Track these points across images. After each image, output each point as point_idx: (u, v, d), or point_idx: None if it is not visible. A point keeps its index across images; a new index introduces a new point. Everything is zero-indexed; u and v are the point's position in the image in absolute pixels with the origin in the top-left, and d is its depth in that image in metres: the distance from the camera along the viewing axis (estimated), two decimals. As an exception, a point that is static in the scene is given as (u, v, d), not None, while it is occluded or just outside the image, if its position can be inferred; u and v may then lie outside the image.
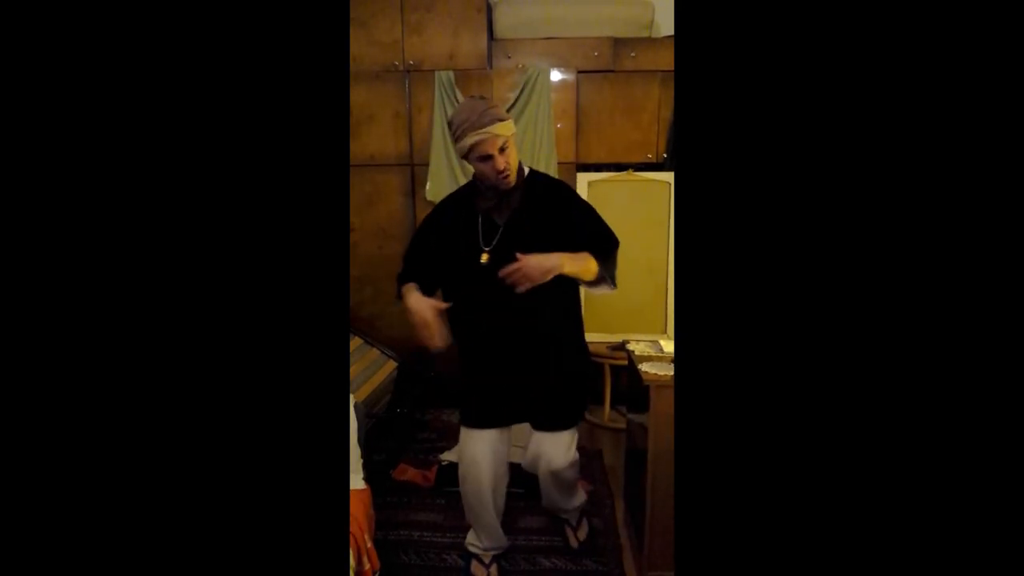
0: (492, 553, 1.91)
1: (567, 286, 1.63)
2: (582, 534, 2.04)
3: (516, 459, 1.91)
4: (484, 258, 1.59)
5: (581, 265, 1.57)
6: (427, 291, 1.66)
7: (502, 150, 1.53)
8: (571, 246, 1.57)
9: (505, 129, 1.52)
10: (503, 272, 1.46)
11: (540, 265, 1.47)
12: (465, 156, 1.56)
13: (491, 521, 1.84)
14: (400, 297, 1.68)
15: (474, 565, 1.91)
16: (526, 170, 1.67)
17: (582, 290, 1.73)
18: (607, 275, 1.63)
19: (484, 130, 1.49)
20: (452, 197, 1.76)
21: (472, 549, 1.92)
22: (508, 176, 1.55)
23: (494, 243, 1.61)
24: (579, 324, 1.78)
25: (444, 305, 1.60)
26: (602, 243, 1.64)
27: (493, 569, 1.90)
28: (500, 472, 1.78)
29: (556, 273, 1.50)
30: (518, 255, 1.47)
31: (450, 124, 1.57)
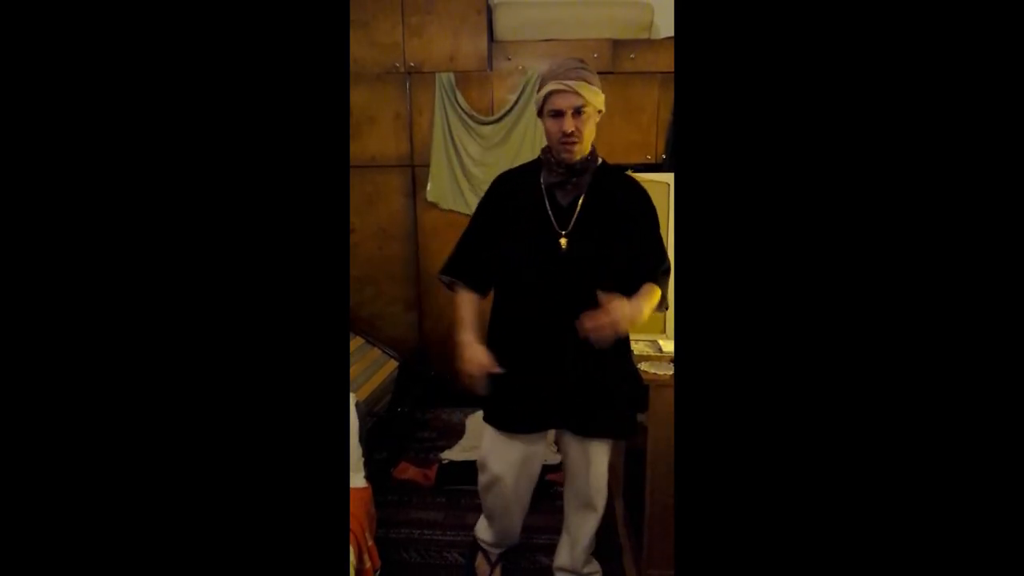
0: (499, 550, 1.83)
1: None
2: None
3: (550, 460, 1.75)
4: (563, 243, 1.42)
5: (653, 303, 1.44)
6: (480, 289, 1.54)
7: (577, 112, 1.35)
8: (637, 250, 1.46)
9: (589, 92, 1.34)
10: (589, 326, 1.29)
11: (631, 315, 1.32)
12: (540, 112, 1.41)
13: (509, 525, 1.71)
14: (450, 288, 1.55)
15: (479, 561, 1.84)
16: (600, 159, 1.50)
17: None
18: (664, 302, 1.51)
19: (564, 82, 1.33)
20: (513, 171, 1.57)
21: (480, 543, 1.82)
22: (574, 143, 1.37)
23: (570, 227, 1.43)
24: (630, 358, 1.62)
25: (497, 370, 1.43)
26: (660, 266, 1.50)
27: (497, 570, 1.84)
28: (529, 483, 1.63)
29: (625, 328, 1.35)
30: (603, 301, 1.29)
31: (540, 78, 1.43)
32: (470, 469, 2.50)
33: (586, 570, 1.75)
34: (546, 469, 2.37)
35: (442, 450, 2.72)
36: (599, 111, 1.40)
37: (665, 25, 3.10)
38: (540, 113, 1.42)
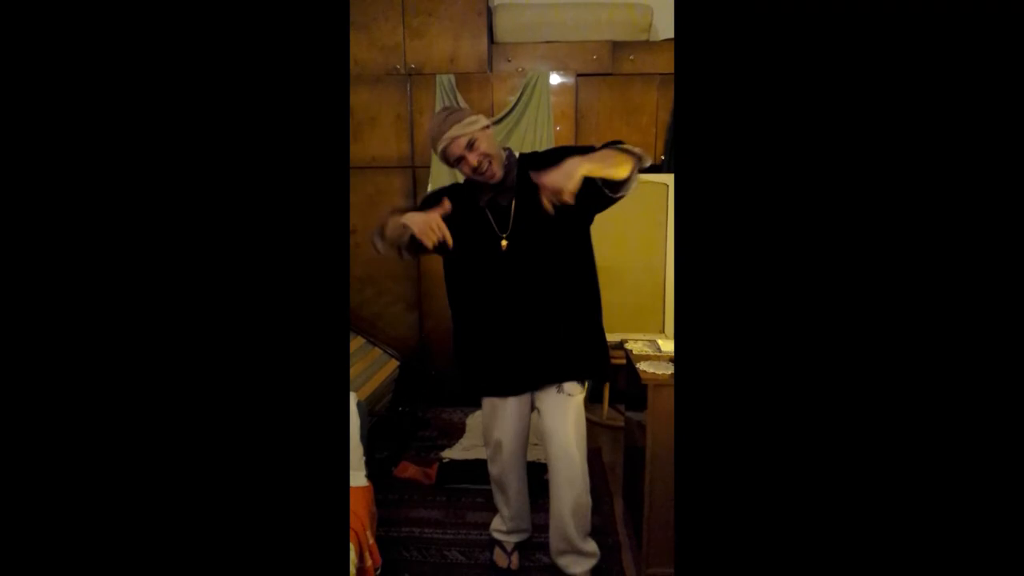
0: (515, 539, 1.93)
1: (584, 277, 1.68)
2: None
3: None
4: (504, 244, 1.59)
5: (603, 161, 1.39)
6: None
7: (470, 146, 1.50)
8: (590, 199, 1.48)
9: (465, 128, 1.48)
10: (544, 179, 1.31)
11: (561, 171, 1.30)
12: (450, 165, 1.57)
13: (516, 499, 1.86)
14: (381, 236, 1.57)
15: (496, 553, 1.94)
16: (516, 154, 1.63)
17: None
18: (633, 154, 1.49)
19: (444, 136, 1.50)
20: (449, 191, 1.67)
21: (496, 535, 1.95)
22: (486, 170, 1.52)
23: (509, 229, 1.60)
24: (595, 315, 1.73)
25: (447, 208, 1.47)
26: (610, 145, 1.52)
27: (514, 557, 1.93)
28: (522, 447, 1.81)
29: (580, 174, 1.31)
30: (532, 175, 1.35)
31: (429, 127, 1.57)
32: (471, 468, 2.51)
33: (586, 548, 1.79)
34: (543, 468, 2.38)
35: (442, 449, 2.73)
36: (484, 127, 1.53)
37: (664, 27, 3.11)
38: (449, 164, 1.56)
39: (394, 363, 2.91)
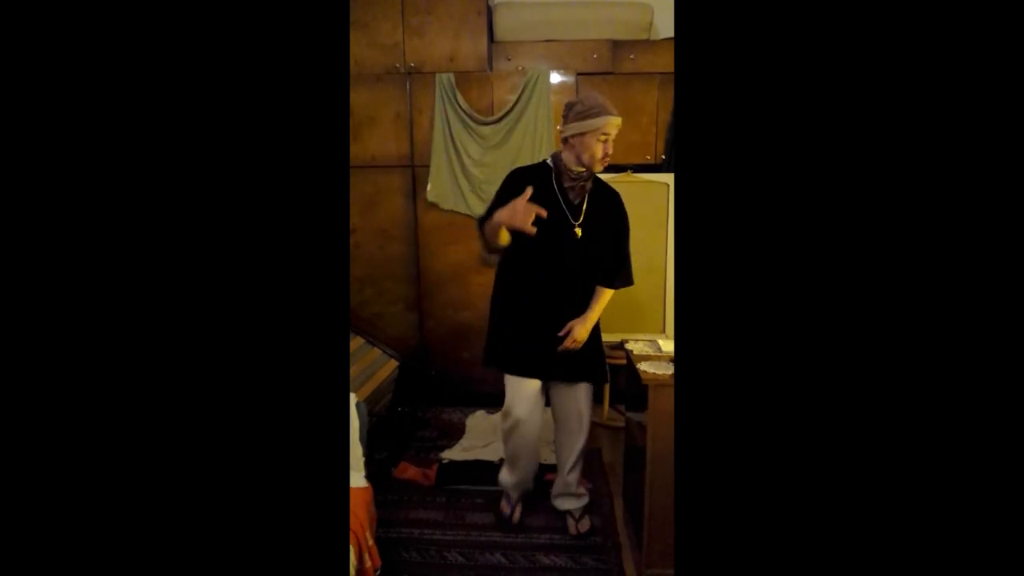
0: (518, 493, 2.17)
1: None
2: (583, 526, 2.13)
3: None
4: (578, 232, 1.88)
5: (603, 305, 1.97)
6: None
7: (609, 140, 1.81)
8: (612, 244, 1.94)
9: (616, 127, 1.81)
10: (567, 343, 1.89)
11: (585, 329, 1.91)
12: (582, 132, 1.79)
13: (528, 464, 2.09)
14: (482, 230, 1.88)
15: (502, 504, 2.21)
16: (595, 174, 1.92)
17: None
18: (621, 286, 1.98)
19: (614, 117, 1.78)
20: (527, 171, 1.94)
21: (504, 488, 2.19)
22: (606, 162, 1.84)
23: (582, 220, 1.89)
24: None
25: (528, 194, 1.73)
26: (625, 270, 1.98)
27: (518, 509, 2.18)
28: (539, 421, 2.02)
29: (587, 334, 1.92)
30: (571, 325, 1.89)
31: (576, 103, 1.82)
32: (470, 469, 2.51)
33: (578, 491, 2.14)
34: (544, 469, 2.40)
35: (442, 450, 2.73)
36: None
37: (664, 26, 3.11)
38: (582, 133, 1.80)
39: (394, 363, 2.91)
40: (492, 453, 2.66)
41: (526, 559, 1.99)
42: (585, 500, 2.16)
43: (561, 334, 1.88)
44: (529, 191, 1.71)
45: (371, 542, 1.64)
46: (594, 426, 2.94)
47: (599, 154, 1.80)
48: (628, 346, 2.09)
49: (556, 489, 2.16)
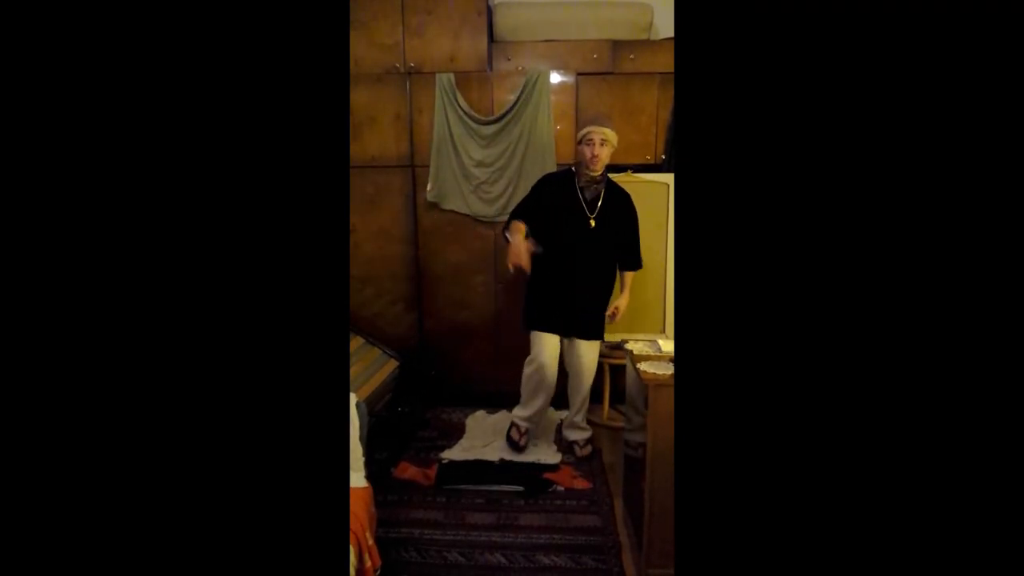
0: (528, 426, 2.67)
1: (613, 265, 2.57)
2: (586, 451, 2.68)
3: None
4: (592, 223, 2.44)
5: (631, 288, 2.62)
6: (529, 224, 2.45)
7: (602, 143, 2.36)
8: (623, 237, 2.53)
9: (609, 135, 2.36)
10: (614, 315, 2.56)
11: (626, 303, 2.59)
12: (579, 142, 2.42)
13: (544, 401, 2.63)
14: (506, 229, 2.48)
15: (512, 431, 2.69)
16: (608, 176, 2.51)
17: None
18: (636, 268, 2.61)
19: (596, 127, 2.35)
20: (553, 177, 2.59)
21: (516, 420, 2.68)
22: (596, 162, 2.38)
23: (596, 213, 2.46)
24: (612, 286, 2.59)
25: (535, 249, 2.40)
26: (637, 257, 2.59)
27: (525, 438, 2.68)
28: (555, 368, 2.58)
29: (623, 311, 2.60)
30: (616, 305, 2.57)
31: (581, 122, 2.49)
32: (470, 469, 2.51)
33: (582, 425, 2.72)
34: (544, 468, 2.38)
35: (442, 450, 2.73)
36: (612, 145, 2.40)
37: (664, 26, 3.11)
38: (578, 143, 2.43)
39: (394, 363, 2.91)
40: (492, 453, 2.66)
41: (526, 559, 1.99)
42: (588, 433, 2.71)
43: (610, 313, 2.54)
44: (525, 238, 2.39)
45: (371, 542, 1.64)
46: (594, 426, 2.96)
47: (587, 156, 2.38)
48: (628, 346, 2.09)
49: (566, 424, 2.74)
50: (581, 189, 2.46)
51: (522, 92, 2.92)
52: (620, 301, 2.55)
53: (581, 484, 2.44)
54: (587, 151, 2.37)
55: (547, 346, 2.57)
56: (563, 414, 2.81)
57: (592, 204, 2.45)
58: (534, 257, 2.43)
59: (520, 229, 2.42)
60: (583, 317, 2.53)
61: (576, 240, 2.45)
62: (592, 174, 2.40)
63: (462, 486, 2.43)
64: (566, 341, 2.60)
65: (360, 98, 2.99)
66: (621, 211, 2.50)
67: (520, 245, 2.36)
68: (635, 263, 2.59)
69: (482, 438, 2.83)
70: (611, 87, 2.97)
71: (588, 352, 2.59)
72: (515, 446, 2.67)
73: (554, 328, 2.56)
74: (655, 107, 2.97)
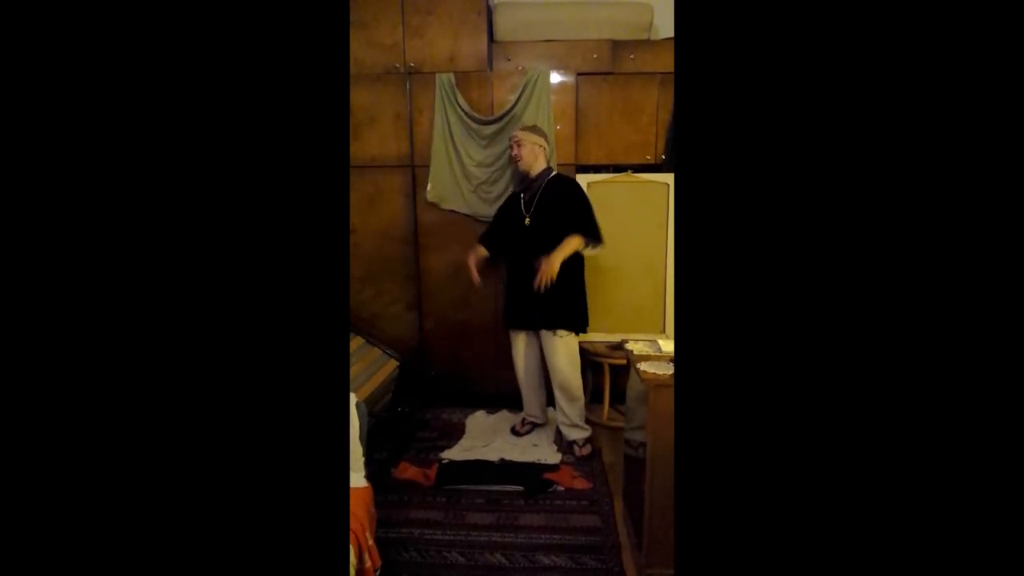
0: (531, 420, 2.90)
1: (573, 256, 2.55)
2: (585, 451, 2.70)
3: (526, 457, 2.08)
4: (527, 221, 2.63)
5: (571, 246, 2.52)
6: (491, 248, 2.75)
7: (519, 145, 2.62)
8: (566, 224, 2.54)
9: (523, 136, 2.62)
10: (537, 284, 2.50)
11: (551, 265, 2.47)
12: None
13: (529, 396, 2.86)
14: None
15: (518, 423, 2.92)
16: (553, 171, 2.68)
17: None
18: (591, 240, 2.57)
19: (516, 132, 2.66)
20: (509, 197, 2.84)
21: (524, 415, 2.92)
22: (517, 160, 2.65)
23: (531, 212, 2.64)
24: (579, 279, 2.66)
25: (483, 254, 2.75)
26: (584, 227, 2.56)
27: (524, 427, 2.90)
28: (533, 366, 2.81)
29: (558, 266, 2.48)
30: (538, 261, 2.50)
31: None
32: (470, 469, 2.51)
33: (581, 424, 2.73)
34: (544, 468, 2.38)
35: (442, 450, 2.73)
36: (537, 145, 2.63)
37: (664, 26, 3.11)
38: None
39: (394, 363, 2.91)
40: (492, 453, 2.66)
41: (526, 559, 1.99)
42: (588, 433, 2.74)
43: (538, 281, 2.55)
44: (473, 258, 2.73)
45: (371, 542, 1.64)
46: (594, 426, 2.96)
47: (513, 155, 2.68)
48: (628, 346, 2.08)
49: (562, 423, 2.75)
50: (520, 195, 2.70)
51: (522, 92, 2.92)
52: (543, 259, 2.49)
53: (581, 484, 2.44)
54: (512, 151, 2.69)
55: (515, 342, 2.80)
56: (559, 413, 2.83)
57: (528, 204, 2.66)
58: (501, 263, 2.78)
59: (477, 249, 2.76)
60: (531, 307, 2.64)
61: (514, 240, 2.69)
62: (528, 175, 2.66)
63: (462, 486, 2.43)
64: (541, 341, 2.75)
65: (360, 98, 2.99)
66: (558, 202, 2.59)
67: (468, 260, 2.74)
68: (588, 233, 2.54)
69: (482, 438, 2.83)
70: (611, 87, 2.97)
71: (553, 343, 2.65)
72: (515, 433, 2.89)
73: (514, 324, 2.76)
74: (655, 107, 2.97)
